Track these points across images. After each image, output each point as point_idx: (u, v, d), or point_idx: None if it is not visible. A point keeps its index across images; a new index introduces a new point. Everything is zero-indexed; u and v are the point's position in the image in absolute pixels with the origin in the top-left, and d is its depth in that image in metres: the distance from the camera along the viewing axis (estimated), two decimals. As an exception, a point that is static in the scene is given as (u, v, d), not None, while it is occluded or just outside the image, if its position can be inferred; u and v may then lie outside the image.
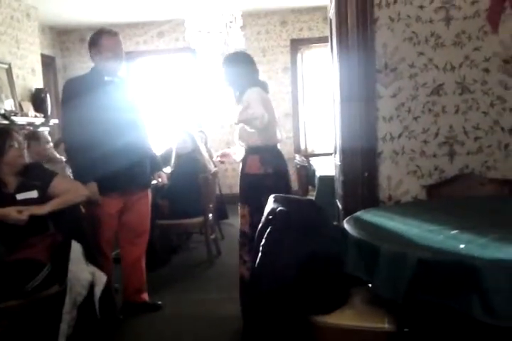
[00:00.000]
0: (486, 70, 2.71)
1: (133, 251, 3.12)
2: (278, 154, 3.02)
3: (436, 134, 2.77)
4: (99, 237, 2.88)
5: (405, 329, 1.73)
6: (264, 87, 3.04)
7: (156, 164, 3.24)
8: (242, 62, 3.02)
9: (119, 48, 2.92)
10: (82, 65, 7.39)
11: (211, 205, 4.27)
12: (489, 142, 2.73)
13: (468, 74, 2.72)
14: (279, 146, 3.07)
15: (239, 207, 3.03)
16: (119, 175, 2.84)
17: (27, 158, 2.74)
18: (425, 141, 2.77)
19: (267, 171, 2.89)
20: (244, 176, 3.00)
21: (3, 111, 4.64)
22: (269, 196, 2.15)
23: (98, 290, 2.33)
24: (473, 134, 2.75)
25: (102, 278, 2.38)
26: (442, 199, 2.59)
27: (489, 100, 2.72)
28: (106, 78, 2.90)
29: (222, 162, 3.40)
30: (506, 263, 1.44)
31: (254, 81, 2.99)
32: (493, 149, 2.73)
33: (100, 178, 2.81)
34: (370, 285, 1.83)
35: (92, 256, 2.49)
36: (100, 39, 2.89)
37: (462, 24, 2.70)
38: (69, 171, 3.97)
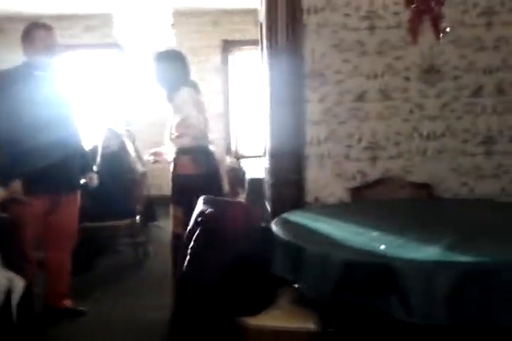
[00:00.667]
0: (407, 78, 2.84)
1: (58, 255, 2.99)
2: (210, 155, 3.01)
3: (360, 139, 2.87)
4: (22, 239, 2.73)
5: (330, 329, 1.78)
6: (195, 87, 3.02)
7: (87, 164, 3.13)
8: (175, 60, 2.98)
9: (52, 42, 2.84)
10: (0, 57, 7.00)
11: (139, 206, 4.18)
12: (409, 147, 2.88)
13: (390, 82, 2.84)
14: (210, 147, 3.06)
15: (171, 208, 2.98)
16: (46, 174, 2.71)
17: None
18: (349, 146, 2.87)
19: (199, 172, 2.87)
20: (176, 177, 2.96)
21: None
22: (201, 196, 2.14)
23: (15, 297, 2.22)
24: (394, 140, 2.88)
25: (19, 284, 2.27)
26: (365, 202, 2.70)
27: (409, 107, 2.86)
28: (36, 72, 2.78)
29: (156, 161, 3.31)
30: (422, 263, 1.52)
31: (185, 81, 2.96)
32: (412, 154, 2.88)
33: (26, 177, 2.67)
34: (296, 285, 1.87)
35: (11, 261, 2.36)
36: (33, 32, 2.81)
37: (385, 33, 2.82)
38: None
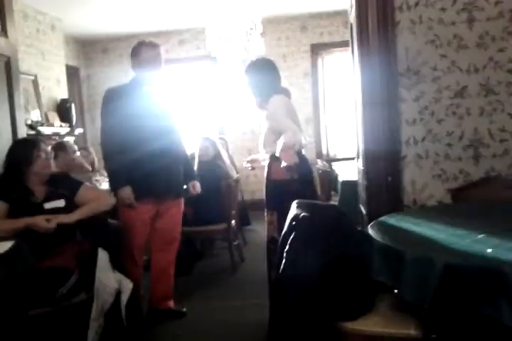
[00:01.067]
0: (511, 71, 2.66)
1: (163, 258, 3.14)
2: (303, 159, 3.02)
3: (461, 137, 2.73)
4: (131, 243, 2.93)
5: (432, 336, 1.70)
6: (286, 93, 3.06)
7: (191, 172, 3.27)
8: (265, 68, 3.05)
9: (158, 60, 3.00)
10: (104, 74, 7.54)
11: (234, 211, 4.28)
12: (515, 144, 2.69)
13: (493, 75, 2.68)
14: (303, 152, 3.07)
15: (265, 214, 3.03)
16: (154, 181, 2.90)
17: (54, 168, 2.80)
18: (449, 144, 2.74)
19: (293, 177, 2.89)
20: (270, 182, 3.00)
21: (30, 122, 4.75)
22: (294, 201, 2.15)
23: (124, 298, 2.36)
24: (499, 137, 2.70)
25: (128, 285, 2.40)
26: (468, 203, 2.56)
27: (515, 102, 2.67)
28: (144, 89, 2.98)
29: (253, 168, 3.40)
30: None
31: (277, 88, 3.02)
32: (519, 151, 2.69)
33: (135, 183, 2.87)
34: (395, 291, 1.81)
35: (119, 264, 2.51)
36: (140, 50, 2.98)
37: (485, 25, 2.67)
38: (94, 180, 4.05)
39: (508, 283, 1.37)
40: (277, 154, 2.90)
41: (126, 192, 2.86)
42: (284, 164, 2.88)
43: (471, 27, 2.69)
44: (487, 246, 1.61)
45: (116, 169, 2.89)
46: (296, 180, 2.89)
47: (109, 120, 2.93)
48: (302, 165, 2.97)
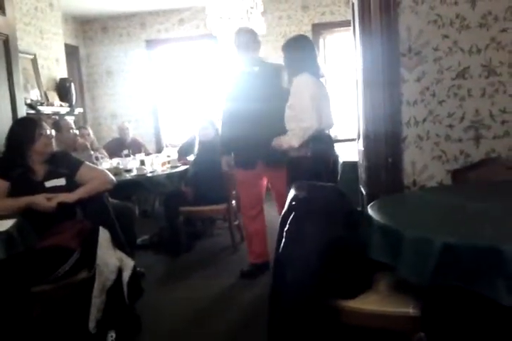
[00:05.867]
0: (514, 52, 2.64)
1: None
2: (321, 138, 3.02)
3: (462, 118, 2.72)
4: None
5: (429, 314, 1.73)
6: (314, 72, 3.07)
7: None
8: (296, 46, 3.11)
9: (250, 43, 3.36)
10: (104, 54, 7.47)
11: (234, 192, 4.30)
12: (516, 126, 2.68)
13: (495, 56, 2.66)
14: (327, 132, 3.13)
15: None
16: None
17: (54, 147, 2.80)
18: (450, 126, 2.73)
19: (306, 154, 2.92)
20: (288, 160, 3.05)
21: (29, 101, 4.72)
22: (307, 179, 2.16)
23: (126, 276, 2.38)
24: (500, 118, 2.69)
25: (129, 263, 2.43)
26: (468, 184, 2.56)
27: (517, 83, 2.66)
28: (244, 69, 3.41)
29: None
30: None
31: (304, 66, 3.04)
32: (520, 133, 2.68)
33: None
34: (394, 270, 1.83)
35: (119, 243, 2.54)
36: (237, 37, 3.40)
37: (488, 5, 2.64)
38: (94, 157, 4.05)
39: (506, 262, 1.39)
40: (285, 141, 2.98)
41: (225, 160, 3.66)
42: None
43: (474, 7, 2.65)
44: (485, 226, 1.62)
45: (226, 139, 3.60)
46: (310, 158, 2.91)
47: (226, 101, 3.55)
48: (318, 143, 2.98)
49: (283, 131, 3.13)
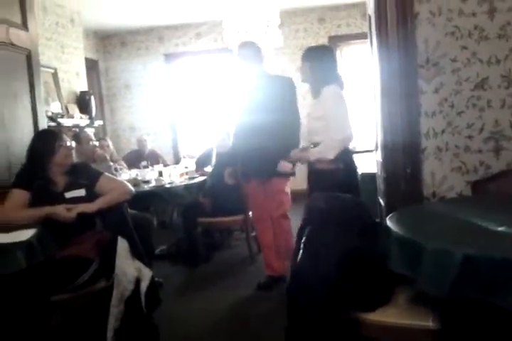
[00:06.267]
0: (533, 63, 2.62)
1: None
2: (347, 150, 2.95)
3: (481, 129, 2.70)
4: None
5: (449, 327, 1.70)
6: (339, 82, 3.00)
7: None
8: (320, 56, 2.99)
9: (253, 56, 3.45)
10: (122, 67, 7.59)
11: (252, 203, 4.29)
12: (537, 136, 2.65)
13: (515, 67, 2.64)
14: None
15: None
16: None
17: (74, 158, 2.84)
18: (470, 137, 2.71)
19: (339, 166, 2.84)
20: (313, 172, 2.97)
21: (50, 114, 4.81)
22: (340, 191, 2.15)
23: (144, 286, 2.39)
24: (521, 129, 2.67)
25: (148, 274, 2.44)
26: (488, 196, 2.53)
27: (537, 94, 2.63)
28: (248, 82, 3.55)
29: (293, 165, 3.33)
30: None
31: (330, 77, 2.95)
32: (541, 144, 2.65)
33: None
34: (413, 283, 1.81)
35: (138, 253, 2.55)
36: (239, 50, 3.51)
37: (507, 16, 2.63)
38: (113, 169, 4.11)
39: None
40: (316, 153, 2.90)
41: (228, 171, 3.84)
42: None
43: (492, 18, 2.65)
44: (506, 238, 1.60)
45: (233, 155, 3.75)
46: (342, 170, 2.84)
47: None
48: (347, 155, 2.92)
49: (285, 143, 3.10)
